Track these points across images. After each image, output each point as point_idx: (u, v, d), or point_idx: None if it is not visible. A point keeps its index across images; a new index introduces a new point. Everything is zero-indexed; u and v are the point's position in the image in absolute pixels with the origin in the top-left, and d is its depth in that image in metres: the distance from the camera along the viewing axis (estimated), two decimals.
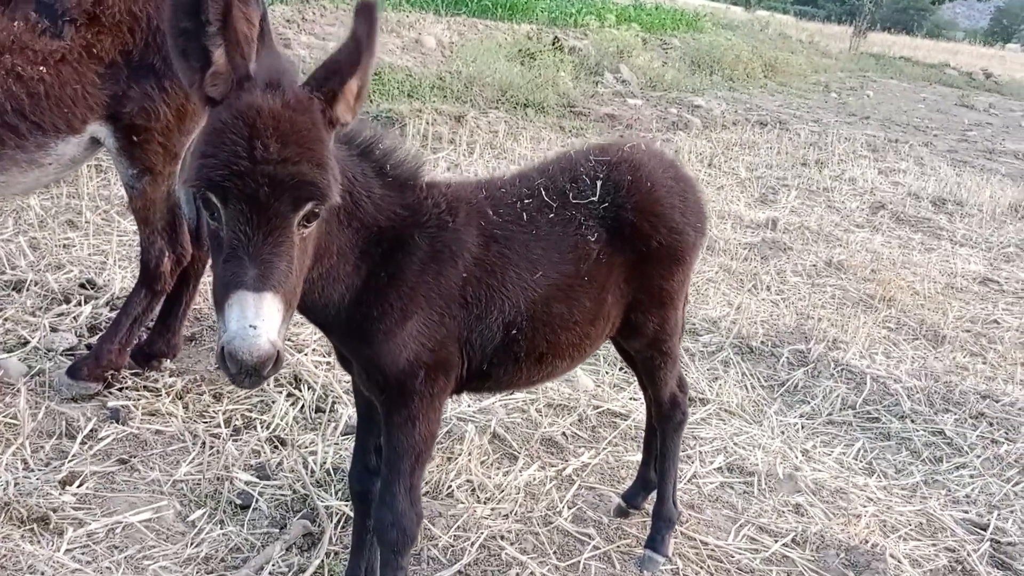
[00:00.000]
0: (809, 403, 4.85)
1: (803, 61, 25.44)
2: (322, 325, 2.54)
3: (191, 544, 3.14)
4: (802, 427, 4.63)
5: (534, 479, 3.75)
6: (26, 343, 4.15)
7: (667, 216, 2.83)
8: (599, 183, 2.77)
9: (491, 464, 3.79)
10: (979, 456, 4.52)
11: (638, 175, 2.82)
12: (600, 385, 4.69)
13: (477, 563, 3.21)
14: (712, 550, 3.48)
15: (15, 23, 3.23)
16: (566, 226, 2.70)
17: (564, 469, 3.86)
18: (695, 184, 3.05)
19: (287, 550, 3.15)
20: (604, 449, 4.07)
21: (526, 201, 2.69)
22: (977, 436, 4.69)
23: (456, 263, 2.50)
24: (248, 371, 1.95)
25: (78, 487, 3.30)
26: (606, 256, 2.75)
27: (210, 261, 2.79)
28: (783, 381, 5.05)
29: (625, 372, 4.88)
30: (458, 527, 3.36)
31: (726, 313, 5.79)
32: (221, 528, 3.25)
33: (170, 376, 4.12)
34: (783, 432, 4.54)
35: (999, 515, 4.04)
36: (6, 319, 4.34)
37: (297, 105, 1.99)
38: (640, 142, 3.03)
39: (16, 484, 3.23)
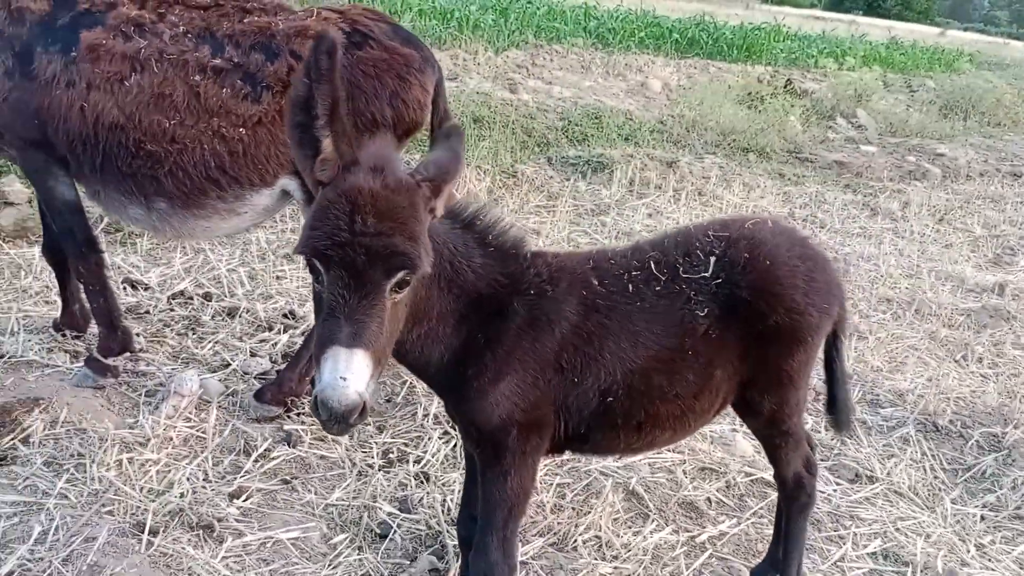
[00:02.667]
0: (996, 492, 4.45)
1: None
2: (425, 379, 2.75)
3: (329, 565, 3.43)
4: (982, 518, 4.25)
5: (664, 542, 3.74)
6: (227, 365, 4.69)
7: (786, 296, 2.80)
8: (713, 259, 2.79)
9: (623, 522, 3.82)
10: None
11: (756, 252, 2.81)
12: (759, 451, 4.56)
13: None
14: None
15: (224, 90, 3.73)
16: (673, 300, 2.75)
17: (698, 536, 3.81)
18: (825, 263, 2.98)
19: None
20: (747, 520, 3.97)
21: (634, 273, 2.77)
22: None
23: (552, 330, 2.64)
24: (337, 418, 2.18)
25: (244, 501, 3.70)
26: (717, 333, 2.77)
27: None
28: (969, 466, 4.66)
29: None
30: None
31: (917, 385, 5.42)
32: (358, 554, 3.52)
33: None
34: (958, 522, 4.20)
35: None
36: (217, 342, 4.93)
37: (396, 187, 2.24)
38: (768, 218, 3.00)
39: (194, 493, 3.68)
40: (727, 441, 4.56)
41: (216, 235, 4.18)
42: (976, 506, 4.34)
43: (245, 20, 3.80)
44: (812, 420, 4.91)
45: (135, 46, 3.70)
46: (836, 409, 3.27)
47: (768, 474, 4.25)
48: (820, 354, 3.17)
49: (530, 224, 7.82)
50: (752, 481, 4.29)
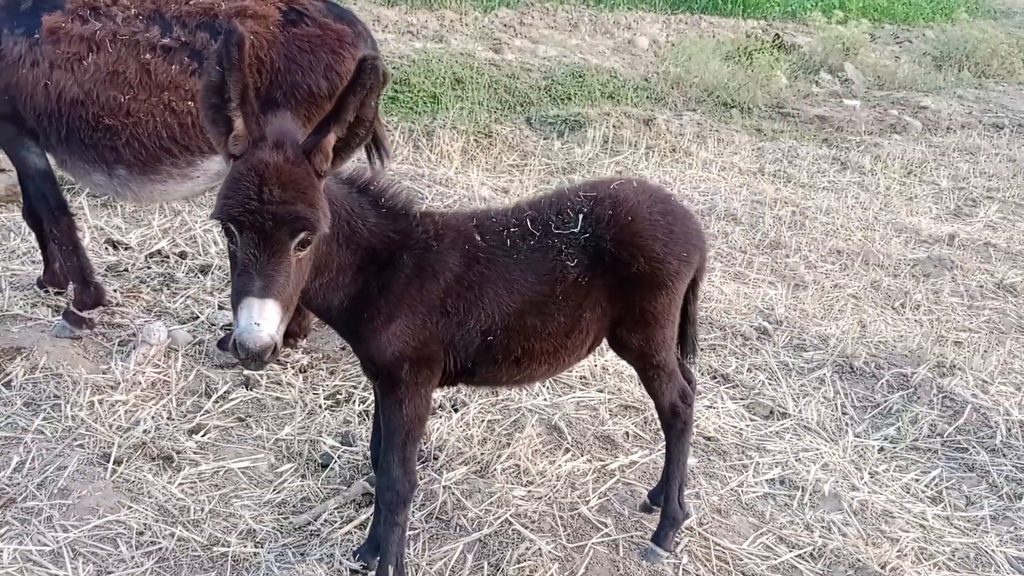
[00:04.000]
0: (896, 426, 4.85)
1: None
2: (328, 322, 3.18)
3: (273, 490, 3.89)
4: (880, 450, 4.66)
5: (577, 470, 4.17)
6: (196, 317, 5.13)
7: (646, 247, 3.21)
8: (581, 216, 3.19)
9: (541, 453, 4.26)
10: None
11: (619, 209, 3.23)
12: None
13: (497, 535, 3.71)
14: (722, 551, 3.74)
15: (172, 67, 4.12)
16: (546, 252, 3.17)
17: (609, 464, 4.24)
18: (685, 217, 3.41)
19: (345, 504, 3.82)
20: (657, 450, 4.39)
21: (512, 229, 3.19)
22: None
23: (437, 279, 3.06)
24: (253, 357, 2.60)
25: (201, 436, 4.16)
26: (585, 280, 3.19)
27: None
28: (877, 403, 5.06)
29: (713, 383, 5.13)
30: (490, 503, 3.87)
31: (845, 331, 5.79)
32: (301, 481, 3.97)
33: (302, 353, 4.93)
34: (857, 453, 4.61)
35: None
36: (188, 297, 5.37)
37: (296, 160, 2.62)
38: (632, 179, 3.42)
39: (157, 429, 4.14)
40: None
41: (174, 197, 4.61)
42: (877, 439, 4.74)
43: (191, 2, 4.17)
44: (736, 362, 5.31)
45: (91, 28, 4.09)
46: (685, 343, 3.69)
47: None
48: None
49: (500, 183, 8.19)
50: None
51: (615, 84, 12.30)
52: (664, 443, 4.36)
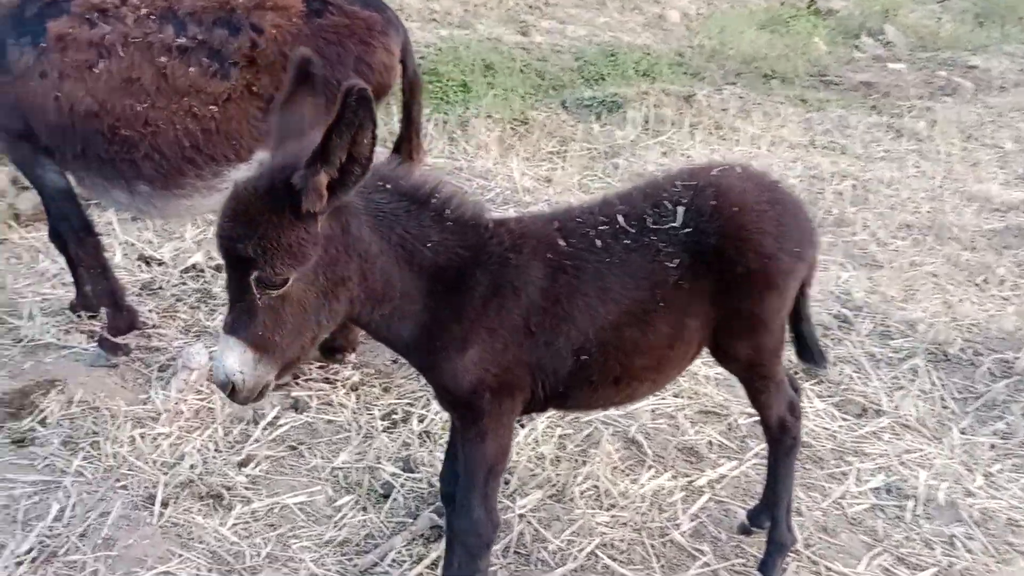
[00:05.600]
0: (1006, 419, 4.41)
1: None
2: (398, 351, 2.86)
3: (333, 527, 3.56)
4: (992, 447, 4.23)
5: (662, 488, 3.79)
6: None
7: (755, 241, 2.80)
8: (681, 209, 2.80)
9: (621, 471, 3.88)
10: None
11: (723, 199, 2.82)
12: None
13: (583, 569, 3.35)
14: None
15: (191, 69, 3.77)
16: (643, 253, 2.76)
17: (697, 480, 3.86)
18: (796, 208, 2.99)
19: (412, 540, 3.47)
20: (747, 461, 4.01)
21: (602, 228, 2.79)
22: None
23: (518, 296, 2.69)
24: (221, 390, 2.49)
25: (252, 468, 3.83)
26: (688, 282, 2.79)
27: None
28: (979, 394, 4.62)
29: (807, 386, 4.72)
30: (572, 532, 3.51)
31: (932, 314, 5.35)
32: (363, 514, 3.63)
33: (352, 369, 4.59)
34: (966, 452, 4.19)
35: None
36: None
37: (252, 192, 2.33)
38: (736, 164, 2.99)
39: (204, 463, 3.82)
40: (730, 384, 4.56)
41: (201, 212, 4.28)
42: (986, 435, 4.31)
43: None
44: None
45: (100, 32, 3.75)
46: (804, 347, 3.31)
47: None
48: None
49: (542, 172, 7.79)
50: (755, 422, 4.26)
51: (649, 61, 11.82)
52: (752, 452, 4.02)
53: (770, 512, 3.32)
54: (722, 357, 3.10)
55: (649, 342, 2.81)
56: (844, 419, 4.40)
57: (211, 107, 3.84)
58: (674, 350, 2.88)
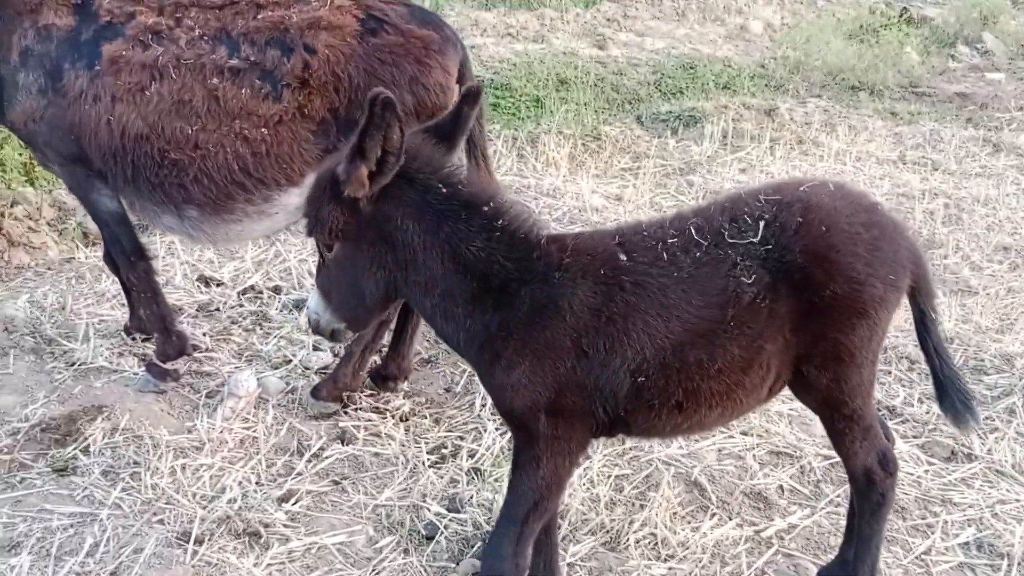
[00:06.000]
0: None
1: None
2: (460, 355, 2.99)
3: (372, 571, 3.38)
4: None
5: (726, 538, 3.50)
6: (289, 361, 4.69)
7: (844, 264, 2.60)
8: (762, 223, 2.61)
9: (681, 517, 3.61)
10: None
11: (811, 216, 2.62)
12: None
13: None
14: None
15: (243, 91, 3.66)
16: (716, 267, 2.59)
17: (765, 530, 3.56)
18: (895, 231, 2.76)
19: None
20: (820, 510, 3.69)
21: (671, 241, 2.63)
22: None
23: (563, 316, 2.61)
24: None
25: (292, 504, 3.69)
26: (766, 302, 2.59)
27: None
28: None
29: (890, 425, 4.35)
30: None
31: None
32: (404, 557, 3.45)
33: (403, 397, 4.42)
34: None
35: None
36: (282, 337, 4.94)
37: (316, 180, 2.81)
38: (828, 182, 2.76)
39: (244, 498, 3.68)
40: (805, 421, 4.24)
41: (252, 237, 4.17)
42: None
43: (259, 16, 3.70)
44: (904, 392, 4.52)
45: (153, 54, 3.67)
46: (945, 396, 2.94)
47: None
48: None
49: (612, 189, 7.54)
50: (831, 465, 3.97)
51: (729, 74, 11.45)
52: (827, 499, 3.71)
53: (850, 574, 3.01)
54: (801, 390, 2.87)
55: (717, 365, 2.63)
56: (930, 463, 4.04)
57: (262, 129, 3.72)
58: (748, 375, 2.68)
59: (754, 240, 2.60)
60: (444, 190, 2.66)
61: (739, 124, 9.23)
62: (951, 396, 2.92)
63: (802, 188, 2.73)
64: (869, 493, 2.93)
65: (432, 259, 2.66)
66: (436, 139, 2.76)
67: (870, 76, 11.68)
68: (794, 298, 2.60)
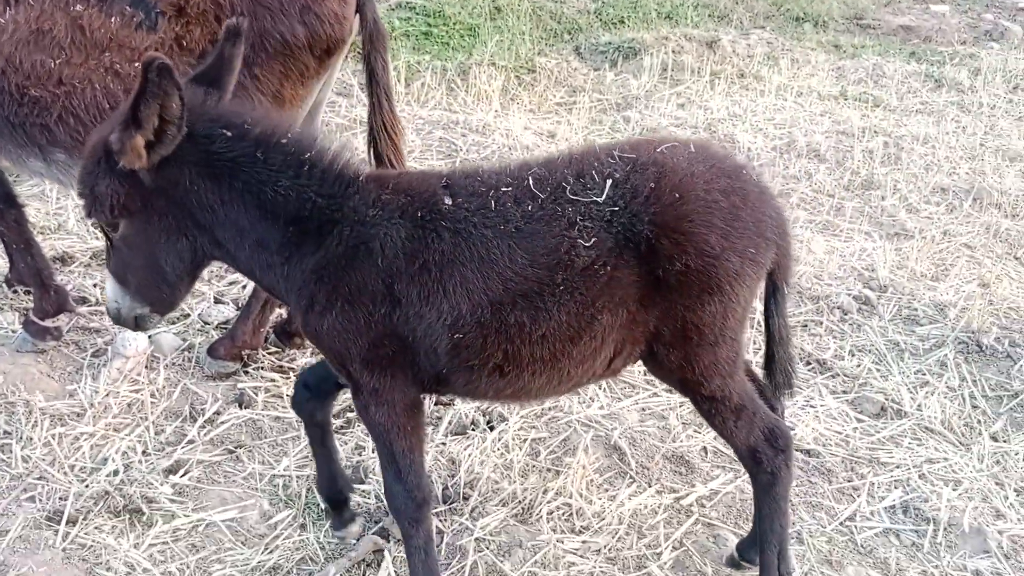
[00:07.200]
0: None
1: None
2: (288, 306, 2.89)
3: (264, 550, 3.13)
4: None
5: (644, 508, 3.31)
6: (187, 315, 4.35)
7: (698, 236, 2.35)
8: (610, 182, 2.36)
9: (599, 485, 3.40)
10: None
11: (665, 181, 2.37)
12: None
13: None
14: None
15: (112, 19, 3.25)
16: (549, 224, 2.36)
17: (685, 497, 3.37)
18: (759, 199, 2.49)
19: (351, 568, 3.03)
20: (744, 474, 3.50)
21: (504, 190, 2.39)
22: None
23: (375, 258, 2.40)
24: None
25: (180, 476, 3.40)
26: (606, 270, 2.36)
27: None
28: (1016, 392, 4.07)
29: (808, 372, 4.19)
30: (535, 562, 3.04)
31: (966, 296, 4.77)
32: (300, 534, 3.20)
33: (310, 356, 4.13)
34: (997, 463, 3.67)
35: None
36: None
37: (89, 151, 2.49)
38: (689, 142, 2.51)
39: (127, 470, 3.39)
40: None
41: None
42: (1021, 442, 3.78)
43: None
44: (835, 344, 4.35)
45: None
46: (772, 369, 2.78)
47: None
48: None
49: (545, 126, 7.20)
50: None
51: (673, 3, 11.07)
52: None
53: (759, 559, 2.83)
54: (655, 370, 2.67)
55: (541, 330, 2.41)
56: (859, 420, 3.89)
57: (135, 64, 3.31)
58: (576, 346, 2.45)
59: (598, 199, 2.37)
60: (229, 134, 2.41)
61: (679, 56, 8.91)
62: (777, 372, 2.79)
63: (661, 148, 2.48)
64: (757, 473, 2.74)
65: (236, 212, 2.46)
66: (205, 86, 2.48)
67: (815, 6, 11.41)
68: (641, 269, 2.38)
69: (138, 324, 2.71)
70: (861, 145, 7.00)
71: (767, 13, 11.37)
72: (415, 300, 2.39)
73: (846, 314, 4.60)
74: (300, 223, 2.44)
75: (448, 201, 2.43)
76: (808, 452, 3.66)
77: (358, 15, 3.60)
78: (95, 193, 2.45)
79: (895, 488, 3.51)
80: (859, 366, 4.20)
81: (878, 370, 4.19)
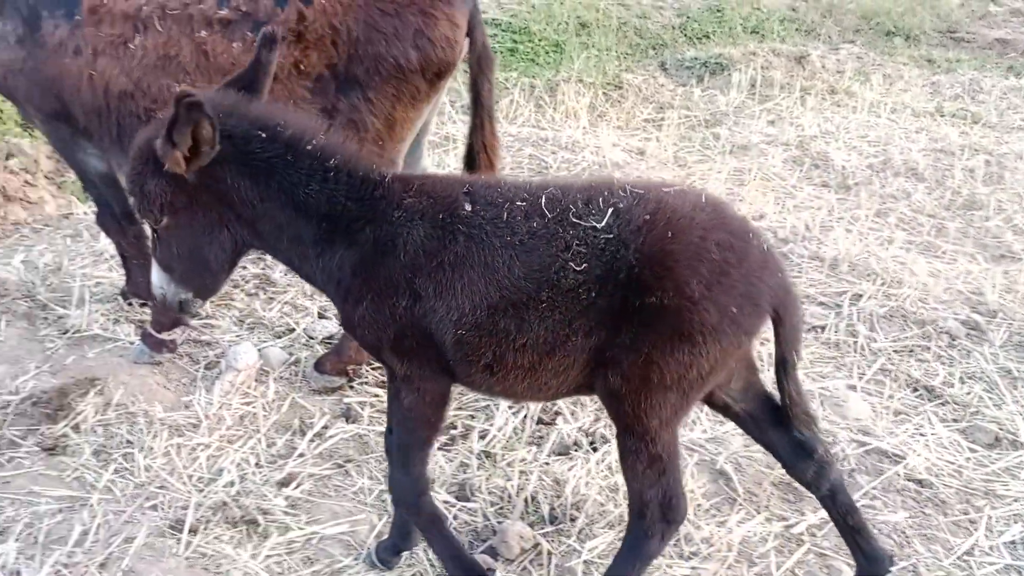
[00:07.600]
0: None
1: None
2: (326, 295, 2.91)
3: (374, 565, 3.17)
4: None
5: (753, 535, 3.27)
6: (292, 330, 4.46)
7: (679, 276, 2.36)
8: (610, 210, 2.44)
9: (706, 510, 3.38)
10: None
11: (660, 216, 2.42)
12: (879, 413, 3.97)
13: None
14: None
15: (234, 44, 3.36)
16: (548, 242, 2.48)
17: (795, 526, 3.32)
18: (760, 265, 2.46)
19: None
20: (856, 502, 3.43)
21: (519, 204, 2.54)
22: None
23: (398, 255, 2.58)
24: None
25: (293, 489, 3.48)
26: (587, 293, 2.44)
27: None
28: None
29: (916, 399, 4.10)
30: None
31: None
32: (411, 551, 3.24)
33: None
34: None
35: None
36: (285, 303, 4.70)
37: (136, 150, 2.67)
38: (700, 191, 2.56)
39: (242, 481, 3.48)
40: (838, 402, 3.98)
41: None
42: None
43: None
44: (944, 370, 4.24)
45: (136, 3, 3.37)
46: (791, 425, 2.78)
47: (886, 443, 3.73)
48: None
49: (634, 143, 7.20)
50: (865, 452, 3.72)
51: (758, 17, 11.00)
52: (862, 491, 3.47)
53: None
54: (600, 392, 2.61)
55: (522, 340, 2.54)
56: (972, 451, 3.78)
57: None
58: (550, 360, 2.55)
59: (597, 225, 2.44)
60: (263, 135, 2.59)
61: (768, 72, 8.84)
62: (793, 440, 2.81)
63: (669, 189, 2.53)
64: (635, 525, 2.67)
65: (274, 208, 2.65)
66: (241, 90, 2.69)
67: (906, 20, 11.20)
68: (619, 296, 2.41)
69: (182, 307, 2.89)
70: (961, 163, 6.83)
71: (856, 27, 11.19)
72: (431, 295, 2.56)
73: (954, 339, 4.48)
74: (331, 221, 2.64)
75: (468, 207, 2.58)
76: (921, 482, 3.57)
77: (468, 38, 3.66)
78: (144, 192, 2.64)
79: (1015, 522, 3.40)
80: (970, 394, 4.09)
81: (990, 398, 4.07)
